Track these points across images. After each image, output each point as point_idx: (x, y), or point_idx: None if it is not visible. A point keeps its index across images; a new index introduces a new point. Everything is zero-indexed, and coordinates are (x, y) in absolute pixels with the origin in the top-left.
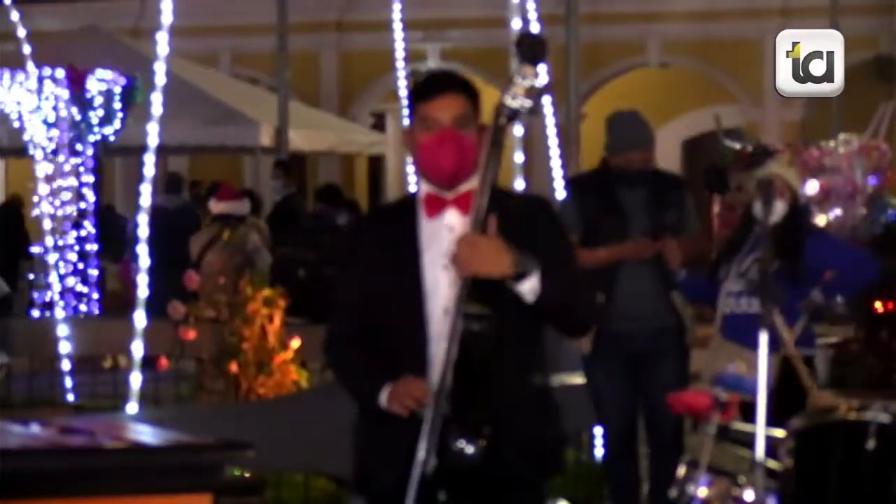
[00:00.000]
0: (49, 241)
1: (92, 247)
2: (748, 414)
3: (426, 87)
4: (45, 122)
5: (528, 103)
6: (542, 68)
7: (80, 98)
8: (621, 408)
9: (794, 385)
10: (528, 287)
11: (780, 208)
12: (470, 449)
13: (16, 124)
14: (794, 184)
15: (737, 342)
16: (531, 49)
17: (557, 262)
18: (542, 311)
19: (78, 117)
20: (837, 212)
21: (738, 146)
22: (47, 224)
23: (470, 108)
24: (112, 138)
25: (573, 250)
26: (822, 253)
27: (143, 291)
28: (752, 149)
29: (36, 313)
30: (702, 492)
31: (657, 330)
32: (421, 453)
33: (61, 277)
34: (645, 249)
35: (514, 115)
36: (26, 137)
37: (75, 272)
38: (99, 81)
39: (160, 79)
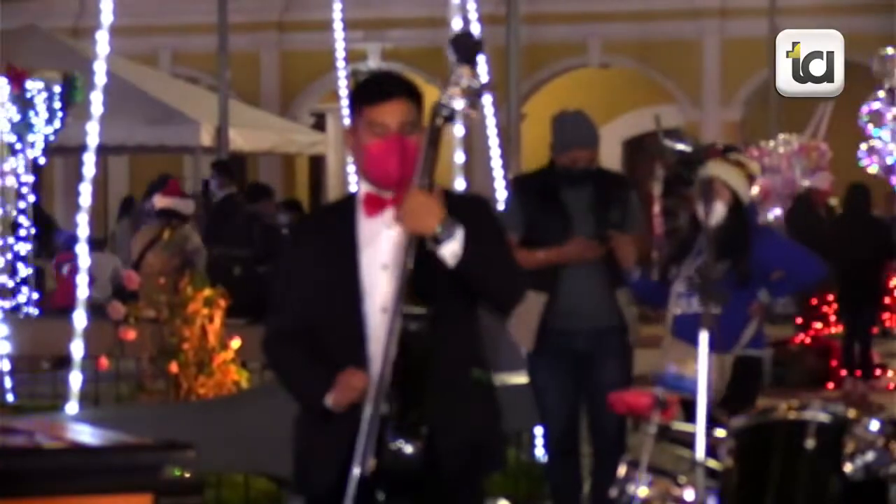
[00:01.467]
0: None
1: (30, 247)
2: (692, 414)
3: (372, 91)
4: None
5: (465, 103)
6: (479, 68)
7: (19, 98)
8: (563, 406)
9: (748, 385)
10: (450, 250)
11: (719, 209)
12: (408, 449)
13: None
14: (734, 184)
15: (687, 342)
16: (466, 49)
17: (491, 248)
18: (463, 278)
19: (17, 117)
20: (777, 212)
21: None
22: None
23: (415, 113)
24: (52, 138)
25: (509, 246)
26: (769, 253)
27: (82, 291)
28: (694, 148)
29: None
30: (642, 492)
31: (600, 329)
32: (359, 453)
33: None
34: (588, 252)
35: (451, 115)
36: None
37: (14, 272)
38: (38, 81)
39: (100, 78)
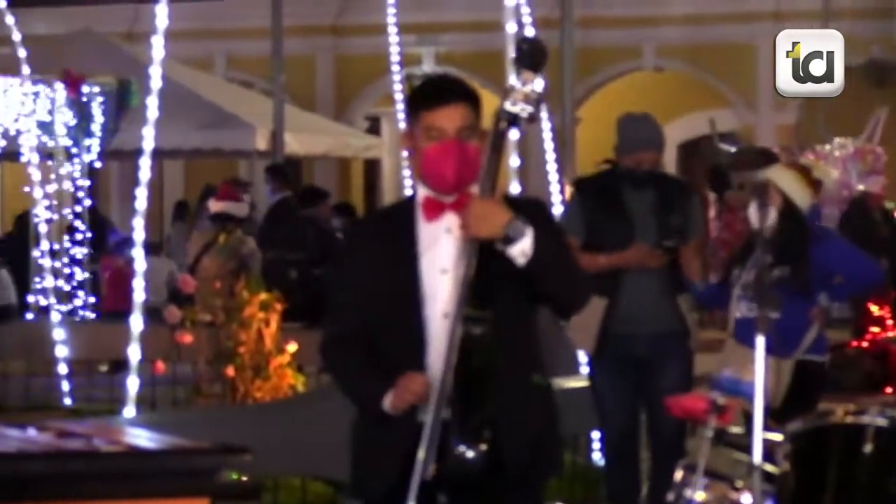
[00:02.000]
0: (45, 245)
1: (86, 251)
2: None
3: (430, 95)
4: (40, 126)
5: (528, 109)
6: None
7: (75, 102)
8: (623, 411)
9: (809, 390)
10: (519, 249)
11: (770, 214)
12: (470, 454)
13: (11, 129)
14: (788, 189)
15: (748, 346)
16: (531, 54)
17: (552, 247)
18: (531, 277)
19: (73, 122)
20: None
21: (733, 149)
22: (43, 228)
23: (473, 117)
24: (108, 142)
25: (568, 248)
26: (828, 256)
27: (139, 295)
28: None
29: (32, 317)
30: (699, 496)
31: (660, 334)
32: (420, 458)
33: (56, 281)
34: (650, 260)
35: (514, 120)
36: (21, 142)
37: (71, 276)
38: (94, 86)
39: (155, 83)
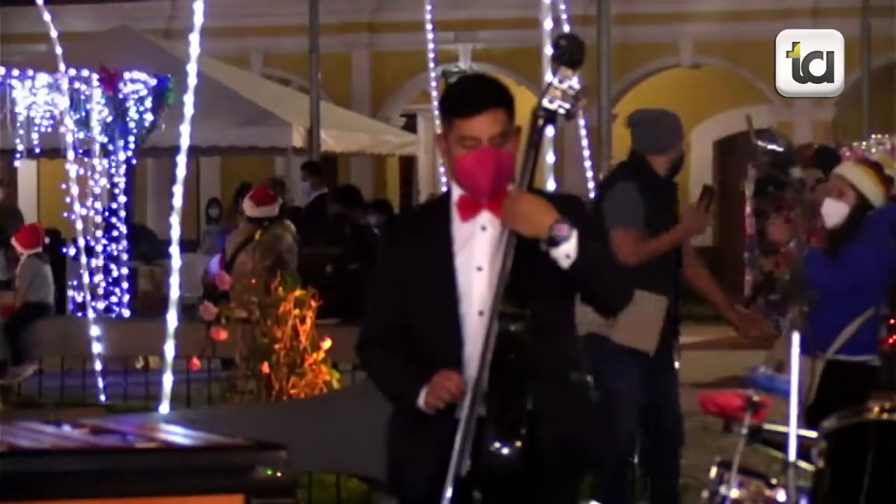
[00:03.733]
0: (81, 242)
1: (123, 248)
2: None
3: (463, 103)
4: (77, 123)
5: (566, 106)
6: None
7: (112, 99)
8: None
9: (842, 387)
10: (564, 251)
11: (839, 209)
12: (505, 450)
13: (48, 126)
14: (863, 186)
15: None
16: (570, 51)
17: (594, 243)
18: (574, 278)
19: (110, 118)
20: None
21: (770, 146)
22: (79, 225)
23: (507, 123)
24: (144, 139)
25: (609, 244)
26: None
27: (174, 292)
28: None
29: (67, 313)
30: (734, 493)
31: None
32: (455, 454)
33: (92, 278)
34: (706, 221)
35: (551, 117)
36: (58, 139)
37: (107, 273)
38: (131, 83)
39: (192, 80)
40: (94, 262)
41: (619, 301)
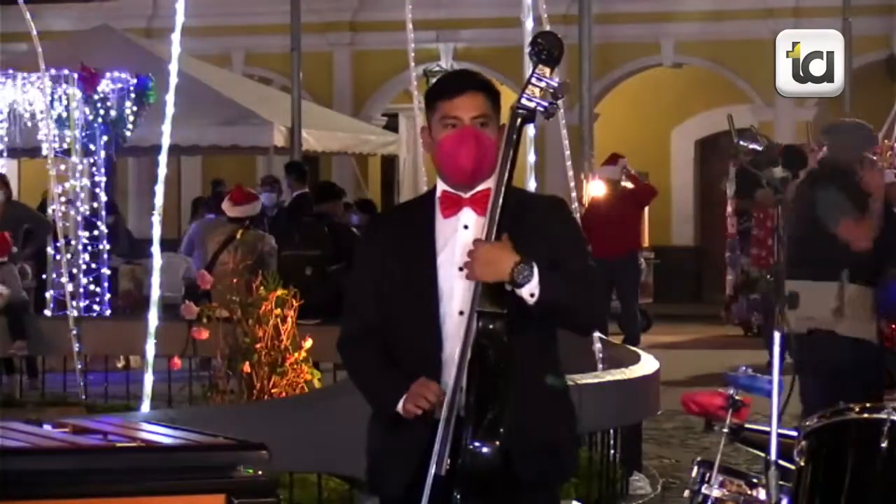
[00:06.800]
0: (61, 241)
1: (104, 246)
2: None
3: (448, 85)
4: (57, 122)
5: (544, 104)
6: (558, 69)
7: (92, 98)
8: None
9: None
10: (528, 290)
11: None
12: (485, 450)
13: (28, 124)
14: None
15: None
16: (547, 48)
17: (570, 258)
18: (541, 313)
19: (90, 117)
20: None
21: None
22: (59, 224)
23: (490, 108)
24: (124, 138)
25: (587, 250)
26: None
27: (155, 291)
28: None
29: (48, 312)
30: (715, 493)
31: None
32: (435, 454)
33: (72, 277)
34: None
35: (530, 115)
36: (39, 137)
37: (88, 272)
38: (112, 82)
39: (173, 79)
40: (71, 260)
41: (587, 325)
